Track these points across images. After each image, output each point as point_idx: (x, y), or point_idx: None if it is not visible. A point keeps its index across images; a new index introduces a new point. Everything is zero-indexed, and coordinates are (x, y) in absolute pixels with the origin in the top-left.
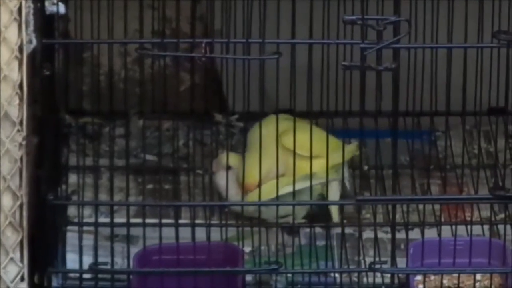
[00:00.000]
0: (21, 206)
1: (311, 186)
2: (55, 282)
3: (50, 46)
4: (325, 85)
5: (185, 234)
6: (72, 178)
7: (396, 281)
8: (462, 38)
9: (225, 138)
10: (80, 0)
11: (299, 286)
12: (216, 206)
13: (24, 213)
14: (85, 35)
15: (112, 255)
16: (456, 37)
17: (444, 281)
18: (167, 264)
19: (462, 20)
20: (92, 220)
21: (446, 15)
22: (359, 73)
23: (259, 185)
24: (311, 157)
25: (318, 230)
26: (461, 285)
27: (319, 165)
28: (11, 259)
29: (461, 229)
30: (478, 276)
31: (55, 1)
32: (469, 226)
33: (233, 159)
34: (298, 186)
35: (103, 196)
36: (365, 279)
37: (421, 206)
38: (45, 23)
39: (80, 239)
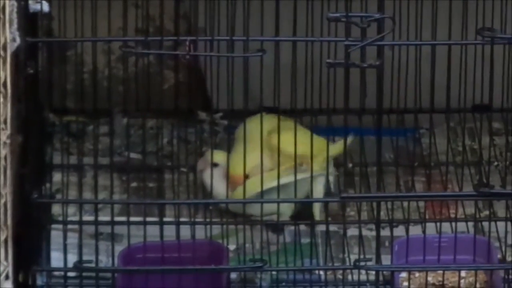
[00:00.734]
0: (5, 205)
1: (295, 182)
2: (39, 280)
3: (34, 45)
4: (309, 83)
5: (169, 232)
6: (56, 176)
7: (381, 278)
8: (446, 36)
9: (210, 136)
10: None
11: (283, 283)
12: (200, 204)
13: (8, 212)
14: (68, 33)
15: (97, 253)
16: (440, 35)
17: (429, 278)
18: (152, 262)
19: (446, 18)
20: (76, 218)
21: (430, 13)
22: (343, 70)
23: (247, 177)
24: (295, 156)
25: (302, 227)
26: (445, 282)
27: (306, 163)
28: None
29: (446, 226)
30: (463, 273)
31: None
32: (453, 223)
33: (220, 156)
34: (286, 180)
35: (88, 195)
36: (349, 277)
37: (405, 203)
38: (28, 22)
39: (65, 238)
